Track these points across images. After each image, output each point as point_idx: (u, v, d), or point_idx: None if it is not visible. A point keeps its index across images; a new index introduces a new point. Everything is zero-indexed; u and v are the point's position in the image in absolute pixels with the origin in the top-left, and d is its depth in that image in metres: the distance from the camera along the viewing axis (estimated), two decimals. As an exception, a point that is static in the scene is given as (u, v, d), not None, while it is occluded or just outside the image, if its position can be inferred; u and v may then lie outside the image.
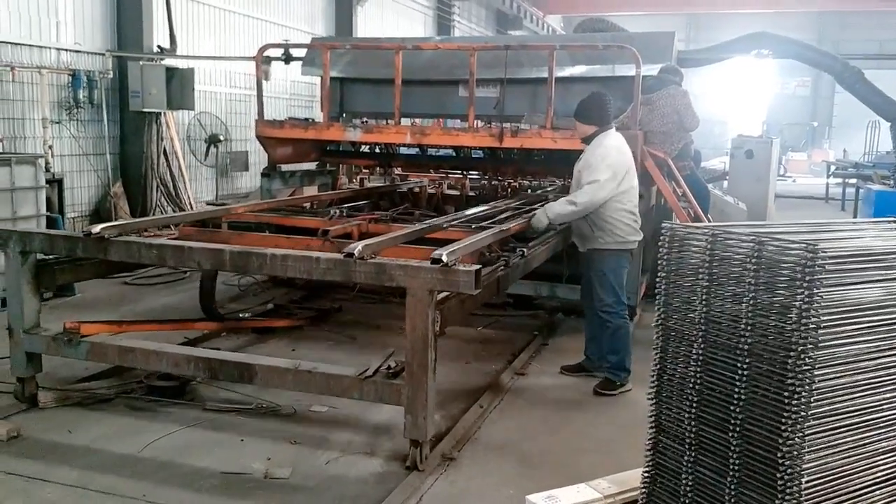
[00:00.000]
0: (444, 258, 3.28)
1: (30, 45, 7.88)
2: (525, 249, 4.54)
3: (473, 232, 4.55)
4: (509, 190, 7.53)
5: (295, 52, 7.30)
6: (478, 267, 3.37)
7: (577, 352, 5.49)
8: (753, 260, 2.36)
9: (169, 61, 9.07)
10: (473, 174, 8.02)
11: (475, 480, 3.45)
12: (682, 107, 6.71)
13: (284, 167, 7.11)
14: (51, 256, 4.11)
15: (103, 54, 8.74)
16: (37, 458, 3.45)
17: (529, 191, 7.44)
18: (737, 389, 2.41)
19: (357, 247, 3.36)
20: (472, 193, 7.58)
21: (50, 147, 7.94)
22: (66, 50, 8.33)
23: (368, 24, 14.02)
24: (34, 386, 4.04)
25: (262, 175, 6.84)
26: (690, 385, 2.57)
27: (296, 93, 12.28)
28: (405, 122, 7.19)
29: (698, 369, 2.55)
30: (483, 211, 5.67)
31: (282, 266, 3.45)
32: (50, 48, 8.13)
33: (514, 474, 3.54)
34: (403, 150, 7.87)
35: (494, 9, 20.32)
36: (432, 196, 7.38)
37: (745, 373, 2.39)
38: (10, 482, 3.24)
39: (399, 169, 7.95)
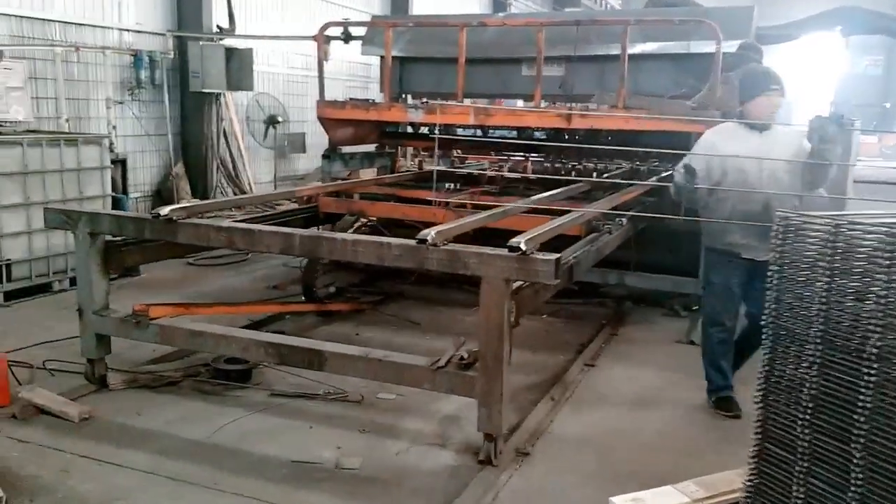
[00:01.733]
0: (523, 246, 3.10)
1: (93, 26, 7.94)
2: (624, 220, 4.66)
3: (580, 203, 4.75)
4: (573, 173, 7.27)
5: (353, 32, 7.16)
6: (557, 256, 3.18)
7: (649, 343, 5.29)
8: (886, 255, 2.11)
9: (228, 41, 9.04)
10: (535, 156, 7.77)
11: (552, 478, 3.30)
12: (762, 85, 6.33)
13: (344, 149, 7.00)
14: (118, 238, 4.08)
15: (164, 34, 8.77)
16: (108, 442, 3.44)
17: (595, 175, 7.16)
18: (861, 397, 2.18)
19: (430, 233, 3.21)
20: (533, 176, 7.35)
21: (114, 127, 8.02)
22: (128, 30, 8.39)
23: (423, 3, 13.80)
24: (104, 367, 4.04)
25: (323, 157, 6.74)
26: (805, 389, 2.34)
27: (352, 73, 12.19)
28: (466, 102, 6.98)
29: (814, 373, 2.32)
30: (578, 187, 5.75)
31: (353, 251, 3.33)
32: (112, 28, 8.19)
33: (592, 472, 3.37)
34: (462, 132, 7.67)
35: (551, -14, 19.85)
36: (492, 179, 7.18)
37: (872, 379, 2.15)
38: (85, 466, 3.22)
39: (459, 151, 7.76)
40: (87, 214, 3.85)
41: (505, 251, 3.14)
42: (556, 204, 4.75)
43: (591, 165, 7.53)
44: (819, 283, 2.31)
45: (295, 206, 6.42)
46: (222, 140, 9.39)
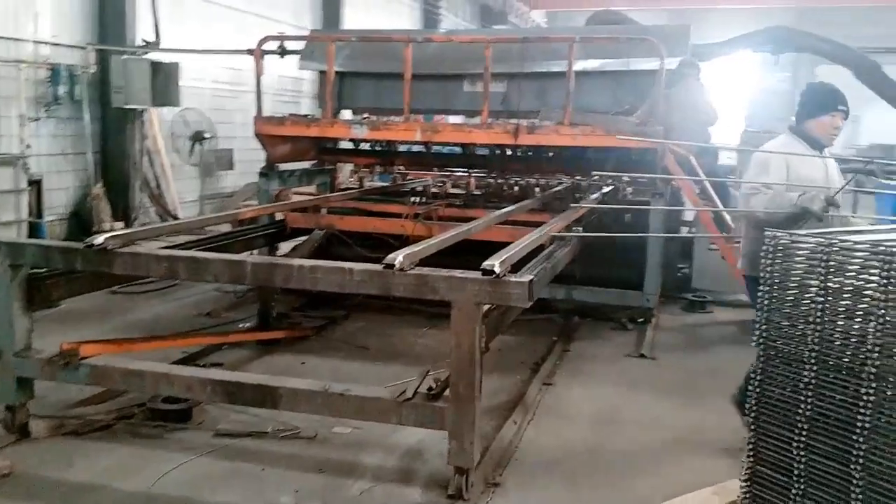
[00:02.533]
0: (497, 268, 2.96)
1: (5, 38, 7.36)
2: (580, 229, 4.88)
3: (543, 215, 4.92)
4: (516, 189, 7.22)
5: (287, 46, 6.91)
6: (530, 278, 3.05)
7: (602, 358, 5.24)
8: (885, 273, 2.07)
9: (153, 55, 8.58)
10: (479, 172, 7.67)
11: (528, 510, 3.14)
12: (700, 101, 6.48)
13: (282, 166, 6.70)
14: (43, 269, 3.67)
15: (84, 48, 8.23)
16: (34, 501, 3.05)
17: (538, 190, 7.12)
18: (860, 417, 2.13)
19: (398, 257, 3.02)
20: (477, 192, 7.25)
21: (27, 146, 7.43)
22: (45, 43, 7.82)
23: (355, 18, 13.59)
24: (25, 414, 3.60)
25: (260, 175, 6.41)
26: (800, 411, 2.28)
27: (282, 87, 11.81)
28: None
29: (809, 393, 2.26)
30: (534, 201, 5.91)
31: (311, 279, 3.09)
32: (27, 41, 7.60)
33: (567, 499, 3.25)
34: (404, 148, 7.50)
35: (480, 3, 19.96)
36: (436, 195, 7.04)
37: (871, 399, 2.11)
38: (7, 531, 2.85)
39: (402, 167, 7.59)
40: (7, 245, 3.44)
41: (477, 274, 2.99)
42: (523, 216, 4.74)
43: (533, 181, 7.51)
44: (810, 303, 2.27)
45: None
46: (146, 158, 8.87)
